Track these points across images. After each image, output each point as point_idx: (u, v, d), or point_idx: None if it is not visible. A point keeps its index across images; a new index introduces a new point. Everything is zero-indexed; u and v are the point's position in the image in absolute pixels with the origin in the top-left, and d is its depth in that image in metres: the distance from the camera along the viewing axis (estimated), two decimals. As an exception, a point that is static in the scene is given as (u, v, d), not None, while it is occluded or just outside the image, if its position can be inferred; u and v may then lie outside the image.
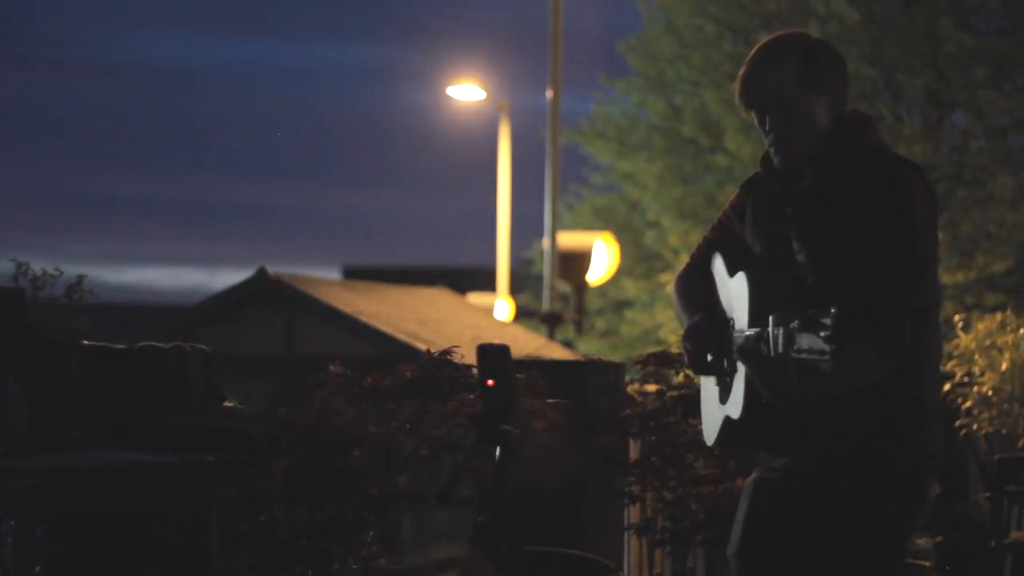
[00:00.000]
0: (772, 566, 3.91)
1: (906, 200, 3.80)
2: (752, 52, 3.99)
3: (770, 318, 3.59)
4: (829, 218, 3.84)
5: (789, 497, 3.88)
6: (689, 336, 3.98)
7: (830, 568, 3.83)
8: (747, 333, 3.73)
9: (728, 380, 3.90)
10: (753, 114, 3.97)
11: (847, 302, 3.46)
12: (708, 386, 4.07)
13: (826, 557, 3.83)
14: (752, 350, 3.68)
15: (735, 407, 3.84)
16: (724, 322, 3.94)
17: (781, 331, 3.54)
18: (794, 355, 3.50)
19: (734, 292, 3.90)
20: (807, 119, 3.89)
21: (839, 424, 3.81)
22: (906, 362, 3.75)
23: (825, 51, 3.95)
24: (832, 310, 3.38)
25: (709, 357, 3.94)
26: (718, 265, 4.02)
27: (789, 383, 3.64)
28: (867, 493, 3.81)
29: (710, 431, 4.06)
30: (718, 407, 3.96)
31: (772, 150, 3.94)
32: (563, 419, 6.51)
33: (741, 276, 3.85)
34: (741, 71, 3.97)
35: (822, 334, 3.40)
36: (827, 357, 3.40)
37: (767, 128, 3.93)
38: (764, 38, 4.04)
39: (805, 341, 3.46)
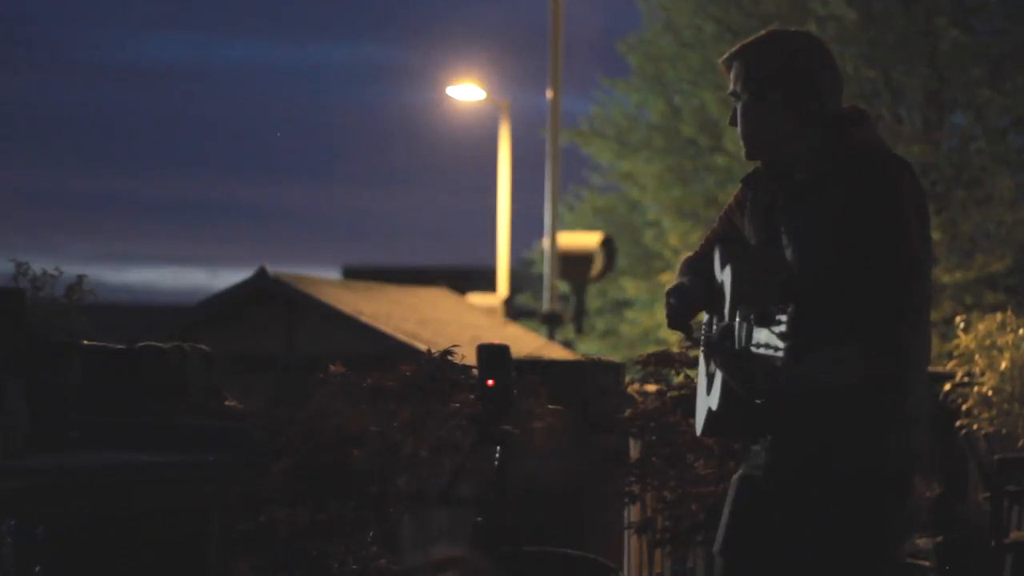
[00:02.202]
0: (757, 564, 3.91)
1: (894, 197, 3.77)
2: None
3: (736, 312, 3.60)
4: (817, 214, 3.83)
5: (772, 495, 3.89)
6: (673, 292, 4.01)
7: (814, 569, 3.83)
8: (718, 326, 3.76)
9: (711, 371, 3.92)
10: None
11: (834, 299, 3.45)
12: (701, 376, 4.08)
13: (809, 558, 3.83)
14: (716, 344, 3.70)
15: (714, 399, 3.85)
16: (719, 295, 3.94)
17: (744, 325, 3.55)
18: (752, 350, 3.50)
19: (724, 285, 3.92)
20: (767, 113, 3.89)
21: (820, 423, 3.81)
22: (892, 362, 3.75)
23: (804, 43, 3.95)
24: (790, 308, 3.38)
25: (705, 327, 3.96)
26: (716, 257, 4.04)
27: (754, 377, 3.64)
28: (847, 494, 3.81)
29: (698, 421, 4.08)
30: (704, 398, 3.98)
31: (740, 140, 3.98)
32: (563, 423, 6.51)
33: (727, 269, 3.87)
34: (722, 58, 4.01)
35: (776, 330, 3.40)
36: (780, 354, 3.40)
37: (737, 115, 3.96)
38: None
39: (763, 336, 3.46)
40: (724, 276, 3.91)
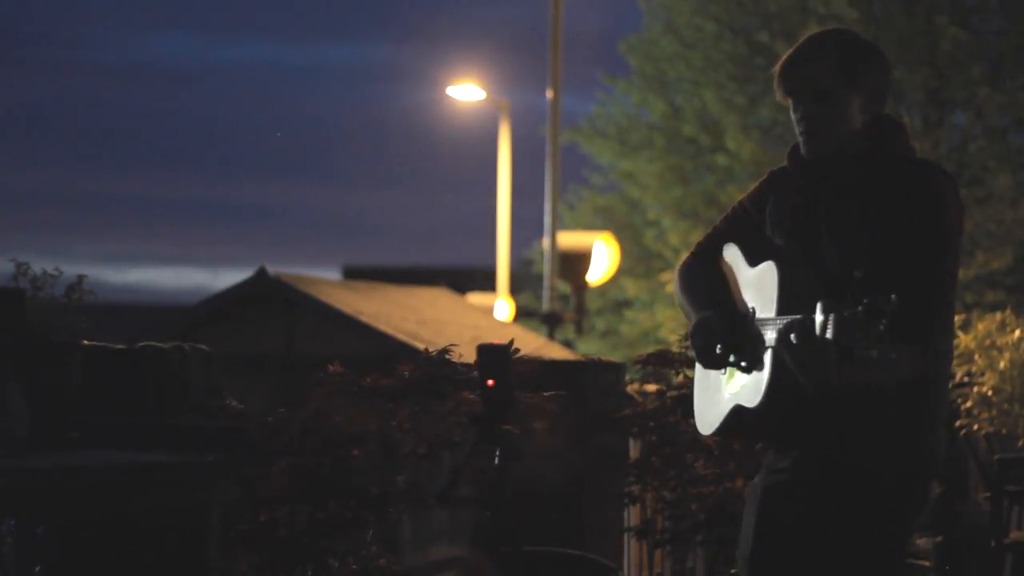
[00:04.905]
0: (784, 572, 3.91)
1: (940, 208, 3.85)
2: (800, 41, 4.01)
3: (818, 305, 3.58)
4: (862, 217, 3.87)
5: (797, 500, 3.89)
6: (698, 331, 3.96)
7: (833, 569, 3.84)
8: (781, 321, 3.72)
9: (743, 366, 3.87)
10: (789, 101, 3.97)
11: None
12: (708, 373, 4.05)
13: (830, 557, 3.84)
14: (796, 337, 3.65)
15: (752, 395, 3.81)
16: (742, 313, 3.92)
17: (832, 317, 3.54)
18: (845, 342, 3.50)
19: (758, 281, 3.89)
20: (841, 112, 3.92)
21: (852, 424, 3.82)
22: (932, 364, 3.80)
23: (870, 51, 3.98)
24: (892, 297, 3.41)
25: (718, 349, 3.92)
26: (733, 254, 4.02)
27: (830, 370, 3.64)
28: (873, 495, 3.83)
29: (711, 420, 4.03)
30: (723, 395, 3.94)
31: (802, 139, 3.96)
32: (561, 412, 6.50)
33: (769, 265, 3.84)
34: (784, 56, 3.99)
35: (883, 321, 3.42)
36: (882, 343, 3.42)
37: (800, 116, 3.94)
38: (809, 31, 4.05)
39: (862, 328, 3.46)
40: (760, 273, 3.88)
